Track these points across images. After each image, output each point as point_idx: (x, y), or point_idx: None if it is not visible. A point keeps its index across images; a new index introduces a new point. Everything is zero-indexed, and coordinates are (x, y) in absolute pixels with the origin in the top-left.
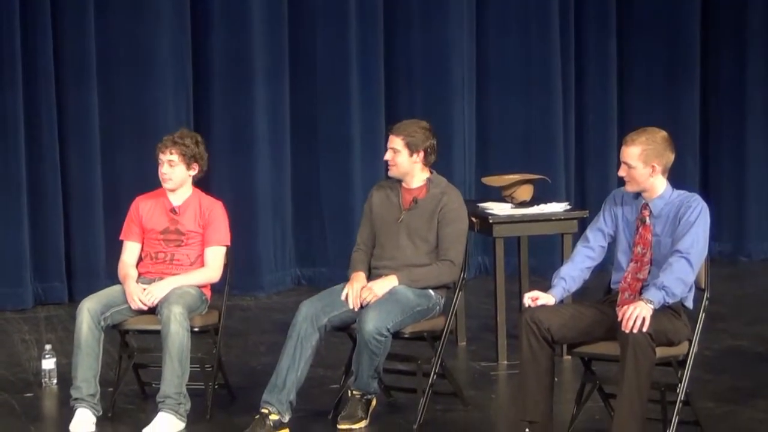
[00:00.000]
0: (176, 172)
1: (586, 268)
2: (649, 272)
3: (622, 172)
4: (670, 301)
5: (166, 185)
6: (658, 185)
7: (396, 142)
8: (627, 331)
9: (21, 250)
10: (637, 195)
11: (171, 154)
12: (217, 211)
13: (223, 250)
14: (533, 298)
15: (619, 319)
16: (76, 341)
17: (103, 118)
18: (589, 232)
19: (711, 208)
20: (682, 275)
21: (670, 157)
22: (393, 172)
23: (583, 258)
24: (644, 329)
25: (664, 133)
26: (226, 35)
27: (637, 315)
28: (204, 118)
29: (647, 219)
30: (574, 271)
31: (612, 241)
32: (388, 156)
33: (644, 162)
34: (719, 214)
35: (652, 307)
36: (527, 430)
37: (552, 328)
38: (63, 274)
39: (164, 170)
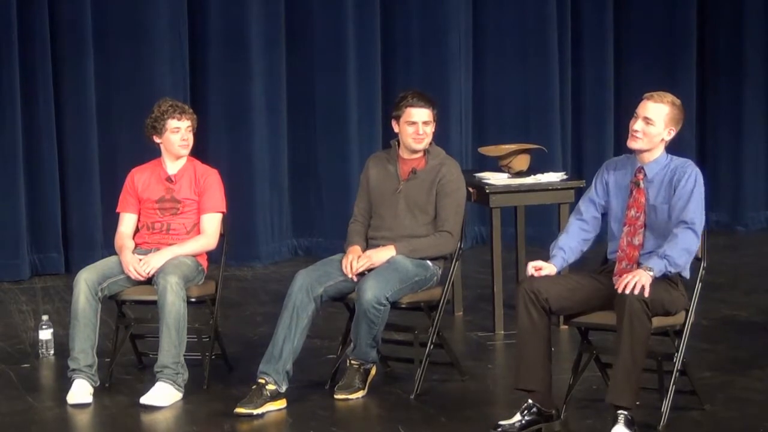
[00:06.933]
0: (191, 139)
1: (583, 240)
2: (644, 237)
3: (637, 126)
4: (672, 270)
5: (184, 151)
6: (657, 150)
7: (430, 114)
8: (620, 291)
9: (18, 222)
10: (632, 158)
11: (187, 120)
12: (212, 179)
13: (219, 216)
14: (536, 267)
15: (615, 287)
16: (73, 312)
17: (99, 90)
18: (581, 204)
19: (708, 179)
20: (687, 245)
21: (679, 127)
22: (424, 144)
23: (578, 230)
24: (645, 294)
25: (680, 102)
26: (222, 5)
27: (636, 282)
28: (201, 88)
29: (641, 182)
30: (571, 242)
31: (605, 211)
32: (427, 129)
33: (665, 123)
34: (716, 184)
35: (652, 274)
36: (530, 400)
37: (550, 298)
38: (60, 245)
39: (185, 136)
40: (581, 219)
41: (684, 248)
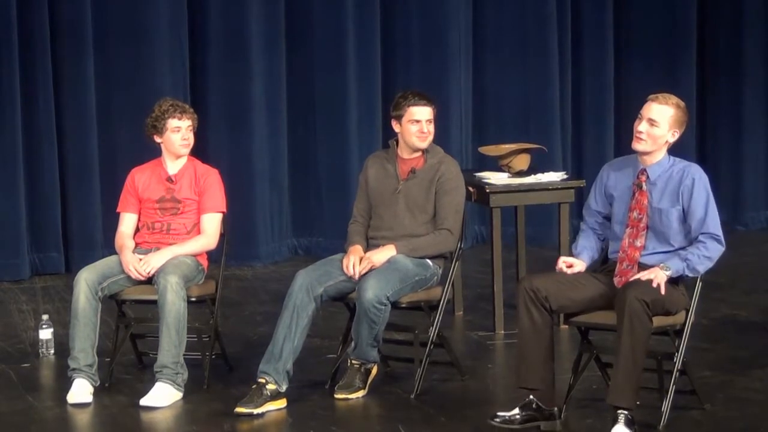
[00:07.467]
0: (192, 138)
1: (599, 240)
2: (645, 239)
3: (641, 127)
4: (689, 274)
5: (184, 151)
6: (660, 152)
7: (431, 112)
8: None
9: (18, 221)
10: (633, 160)
11: (188, 120)
12: (212, 179)
13: (219, 216)
14: (567, 263)
15: (629, 279)
16: (73, 312)
17: (99, 90)
18: (585, 212)
19: (708, 178)
20: (711, 254)
21: (683, 130)
22: (428, 142)
23: (591, 231)
24: (661, 292)
25: (685, 105)
26: (222, 5)
27: (652, 279)
28: (201, 87)
29: (644, 185)
30: (591, 242)
31: (608, 214)
32: (430, 128)
33: (670, 125)
34: (716, 184)
35: (668, 274)
36: (531, 396)
37: (549, 297)
38: (60, 245)
39: (186, 136)
40: (588, 226)
41: (707, 256)
